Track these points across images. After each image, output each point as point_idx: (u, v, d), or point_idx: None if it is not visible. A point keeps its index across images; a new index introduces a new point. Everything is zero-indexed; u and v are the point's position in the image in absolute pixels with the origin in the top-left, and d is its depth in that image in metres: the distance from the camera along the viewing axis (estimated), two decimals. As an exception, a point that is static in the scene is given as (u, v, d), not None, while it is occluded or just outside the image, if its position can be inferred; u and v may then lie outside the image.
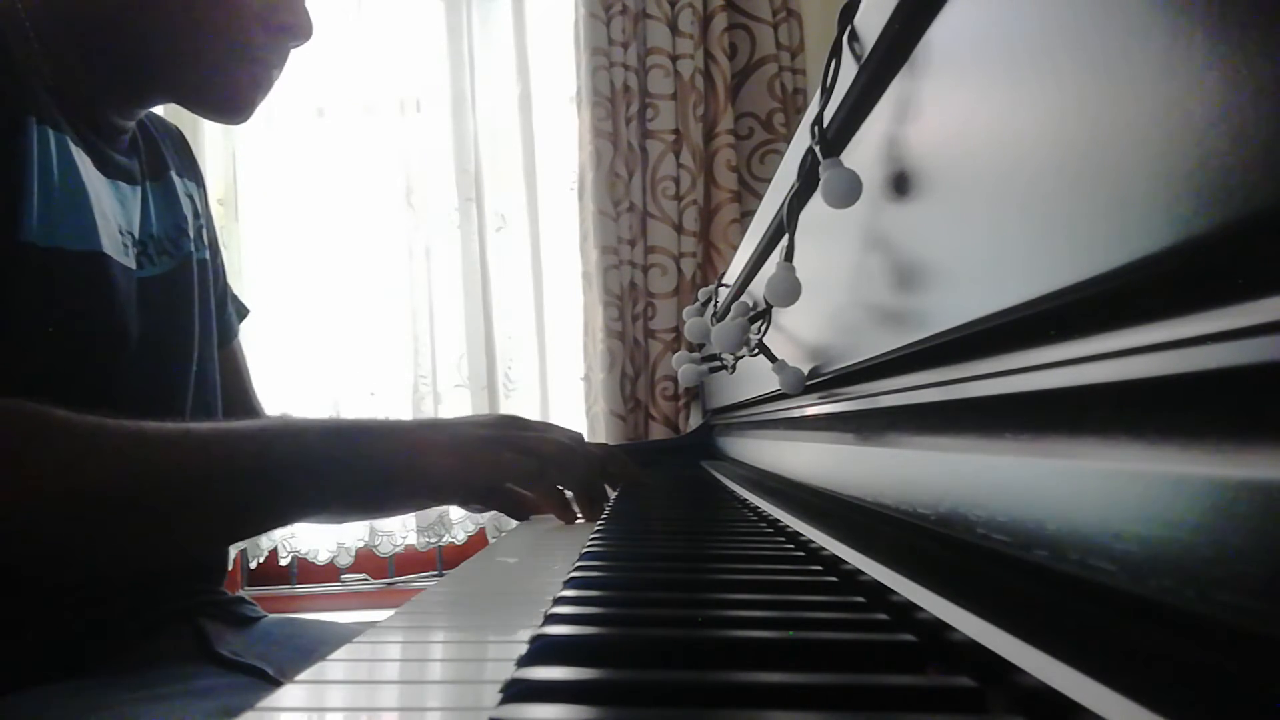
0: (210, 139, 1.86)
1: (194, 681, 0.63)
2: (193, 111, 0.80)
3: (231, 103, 0.73)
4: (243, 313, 0.98)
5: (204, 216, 0.88)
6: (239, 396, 0.92)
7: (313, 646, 0.73)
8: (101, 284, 0.67)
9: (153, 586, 0.71)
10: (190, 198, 0.85)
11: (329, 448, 0.64)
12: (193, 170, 0.89)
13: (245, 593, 0.96)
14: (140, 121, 0.79)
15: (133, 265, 0.71)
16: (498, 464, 0.68)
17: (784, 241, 0.49)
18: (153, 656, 0.67)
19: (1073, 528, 0.22)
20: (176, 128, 0.90)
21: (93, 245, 0.66)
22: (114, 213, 0.70)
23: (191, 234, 0.82)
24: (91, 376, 0.66)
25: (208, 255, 0.86)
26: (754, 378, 0.82)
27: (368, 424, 0.69)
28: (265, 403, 0.99)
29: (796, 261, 0.48)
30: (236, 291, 0.98)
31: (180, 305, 0.78)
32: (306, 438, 0.64)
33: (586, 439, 0.95)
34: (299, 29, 0.73)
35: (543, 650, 0.28)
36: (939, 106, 0.33)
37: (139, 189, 0.75)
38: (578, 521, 0.74)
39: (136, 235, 0.73)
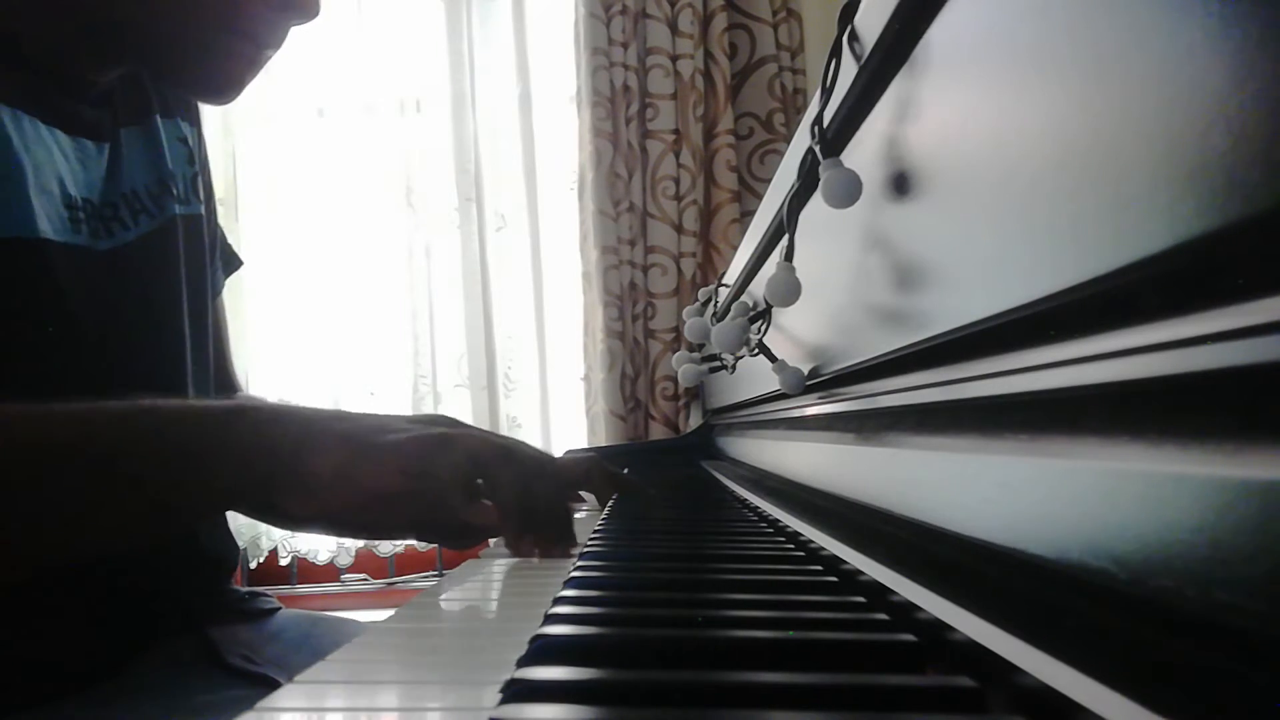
0: (210, 139, 1.85)
1: (199, 697, 0.59)
2: (171, 87, 0.71)
3: (219, 83, 0.65)
4: (232, 265, 0.88)
5: (199, 161, 0.78)
6: (215, 360, 0.82)
7: (329, 649, 0.68)
8: (38, 270, 0.59)
9: (147, 590, 0.64)
10: (183, 140, 0.76)
11: (189, 435, 0.52)
12: (186, 106, 0.77)
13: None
14: None
15: (83, 241, 0.63)
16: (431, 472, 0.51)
17: (784, 241, 0.49)
18: (155, 669, 0.63)
19: (1073, 527, 0.22)
20: None
21: (25, 230, 0.58)
22: (68, 179, 0.63)
23: (180, 187, 0.73)
24: (48, 368, 0.60)
25: (201, 210, 0.76)
26: (754, 378, 0.82)
27: (251, 409, 0.54)
28: (265, 396, 0.95)
29: (796, 261, 0.48)
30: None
31: (163, 271, 0.71)
32: (157, 422, 0.52)
33: (585, 442, 0.91)
34: (306, 7, 0.65)
35: (542, 650, 0.28)
36: (939, 106, 0.33)
37: (106, 146, 0.67)
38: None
39: (98, 201, 0.66)
